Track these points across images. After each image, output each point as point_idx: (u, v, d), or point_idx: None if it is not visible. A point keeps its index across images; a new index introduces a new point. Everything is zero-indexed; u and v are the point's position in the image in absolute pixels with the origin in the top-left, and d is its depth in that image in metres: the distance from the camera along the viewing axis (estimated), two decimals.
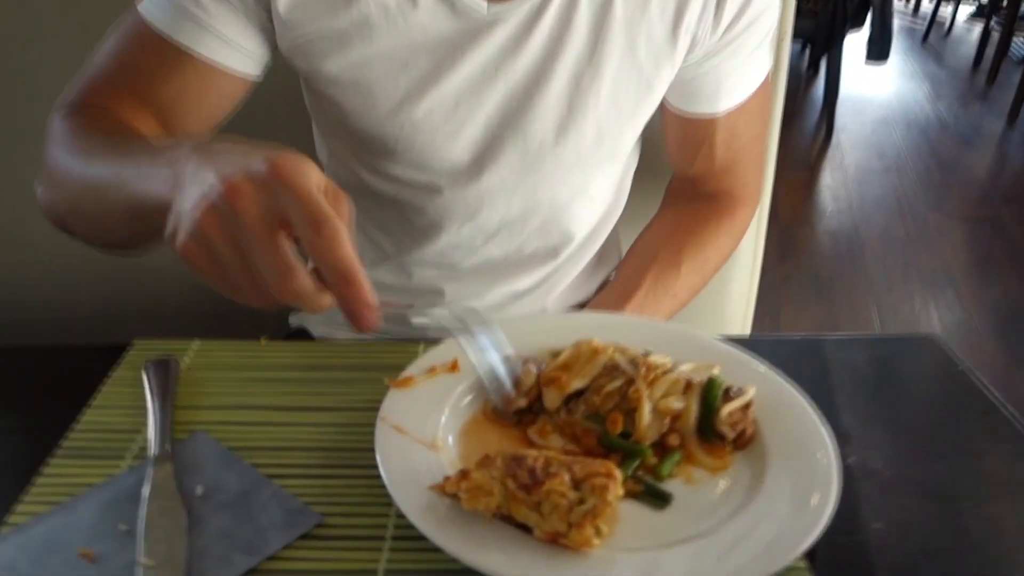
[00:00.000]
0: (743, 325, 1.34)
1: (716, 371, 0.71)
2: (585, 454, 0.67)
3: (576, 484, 0.58)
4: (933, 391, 0.80)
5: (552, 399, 0.70)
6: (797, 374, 0.74)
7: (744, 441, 0.68)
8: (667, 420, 0.68)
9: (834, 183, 3.73)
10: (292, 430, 0.71)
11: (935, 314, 2.85)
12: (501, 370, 0.70)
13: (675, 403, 0.68)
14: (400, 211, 0.97)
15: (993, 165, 3.99)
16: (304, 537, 0.61)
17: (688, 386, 0.70)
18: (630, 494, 0.63)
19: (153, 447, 0.68)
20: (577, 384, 0.70)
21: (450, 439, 0.68)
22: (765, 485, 0.64)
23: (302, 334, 1.11)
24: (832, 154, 3.97)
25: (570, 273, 1.05)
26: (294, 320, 1.14)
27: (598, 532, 0.57)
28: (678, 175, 1.09)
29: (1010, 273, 3.06)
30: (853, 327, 2.79)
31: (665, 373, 0.70)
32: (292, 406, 0.74)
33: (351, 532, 0.62)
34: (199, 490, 0.64)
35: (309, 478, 0.66)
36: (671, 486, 0.65)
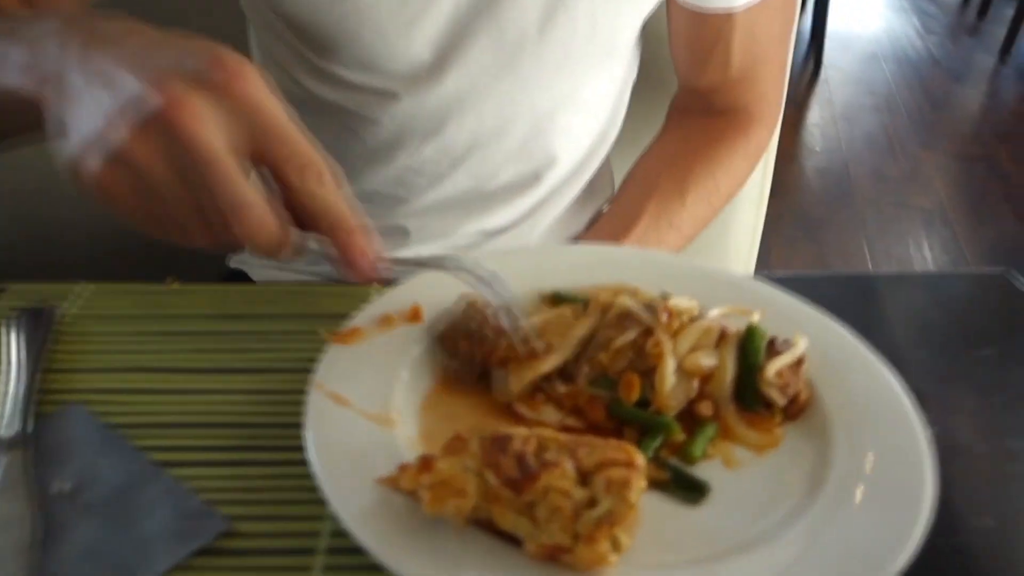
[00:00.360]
0: (747, 264, 1.18)
1: (756, 317, 0.54)
2: (590, 430, 0.50)
3: (583, 477, 0.41)
4: (1020, 338, 0.64)
5: (517, 382, 0.52)
6: (847, 321, 0.57)
7: (797, 409, 0.52)
8: (696, 382, 0.51)
9: (823, 120, 3.57)
10: (198, 401, 0.54)
11: (929, 255, 2.72)
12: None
13: (706, 360, 0.52)
14: (348, 125, 0.79)
15: (986, 101, 3.85)
16: (204, 552, 0.44)
17: (722, 337, 0.53)
18: (653, 484, 0.46)
19: (6, 426, 0.50)
20: (553, 363, 0.52)
21: (409, 412, 0.51)
22: (832, 469, 0.47)
23: (239, 278, 0.93)
24: (820, 90, 3.81)
25: (555, 208, 0.88)
26: (233, 261, 0.96)
27: (616, 545, 0.40)
28: (685, 87, 0.91)
29: (1006, 212, 2.93)
30: (845, 269, 2.65)
31: (692, 320, 0.53)
32: (201, 368, 0.57)
33: (270, 544, 0.45)
34: (62, 486, 0.47)
35: (216, 467, 0.49)
36: (706, 471, 0.48)
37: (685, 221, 0.86)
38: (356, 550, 0.41)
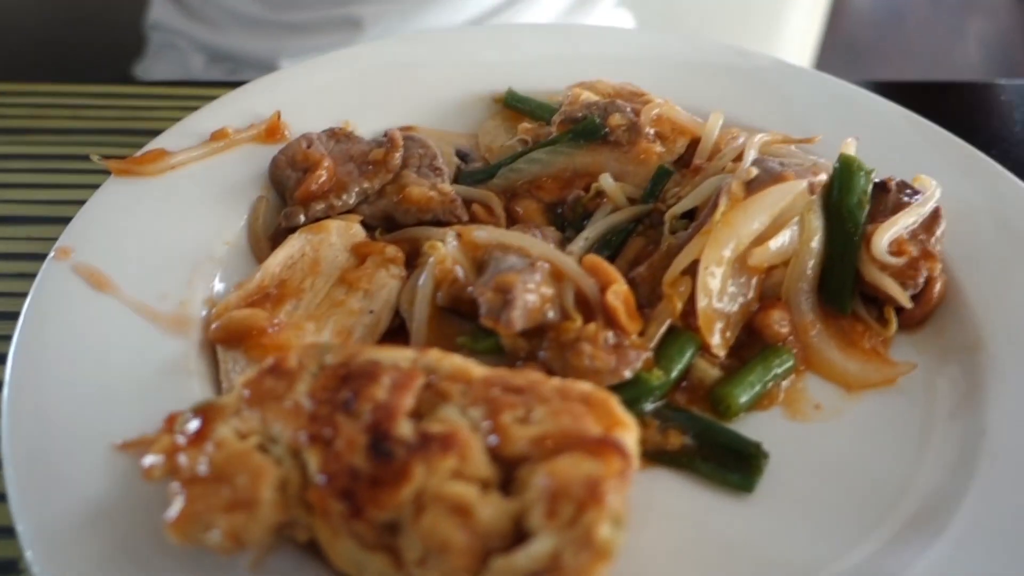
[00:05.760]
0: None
1: (851, 145, 0.31)
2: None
3: (507, 467, 0.19)
4: None
5: None
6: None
7: (926, 308, 0.29)
8: (754, 280, 0.28)
9: None
10: None
11: None
12: None
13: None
14: None
15: None
16: None
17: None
18: (658, 455, 0.25)
19: None
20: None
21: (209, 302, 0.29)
22: (988, 434, 0.25)
23: None
24: None
25: None
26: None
27: None
28: None
29: None
30: None
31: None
32: None
33: None
34: None
35: None
36: (758, 429, 0.26)
37: None
38: None
